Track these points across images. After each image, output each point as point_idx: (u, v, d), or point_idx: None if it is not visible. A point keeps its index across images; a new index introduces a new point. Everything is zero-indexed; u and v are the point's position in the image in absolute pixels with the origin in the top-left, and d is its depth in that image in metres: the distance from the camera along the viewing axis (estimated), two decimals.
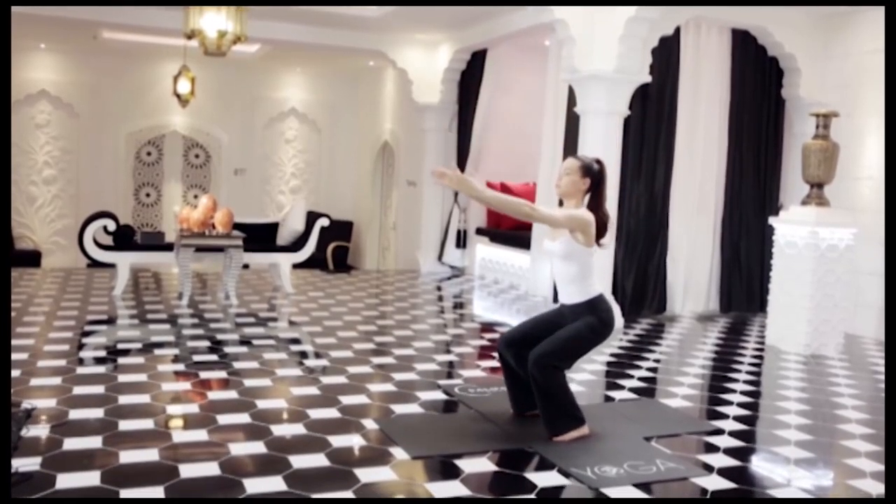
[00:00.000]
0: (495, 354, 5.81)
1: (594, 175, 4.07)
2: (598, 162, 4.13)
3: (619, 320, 7.16)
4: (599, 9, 6.87)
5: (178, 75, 10.70)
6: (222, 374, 4.95)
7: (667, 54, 7.51)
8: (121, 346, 5.68)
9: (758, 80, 8.09)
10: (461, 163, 10.21)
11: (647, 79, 7.12)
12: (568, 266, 4.04)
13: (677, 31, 7.49)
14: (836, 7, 7.55)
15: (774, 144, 8.28)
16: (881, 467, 3.82)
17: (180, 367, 5.13)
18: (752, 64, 8.05)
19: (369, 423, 4.09)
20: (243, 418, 4.08)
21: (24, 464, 3.28)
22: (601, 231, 4.06)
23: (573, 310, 4.08)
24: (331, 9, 8.81)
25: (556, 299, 4.33)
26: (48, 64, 12.27)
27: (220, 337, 6.02)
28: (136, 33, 10.47)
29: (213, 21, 7.27)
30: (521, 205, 3.89)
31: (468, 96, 10.13)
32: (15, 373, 4.67)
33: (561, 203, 4.22)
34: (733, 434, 4.23)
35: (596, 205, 4.08)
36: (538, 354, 3.93)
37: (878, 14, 7.24)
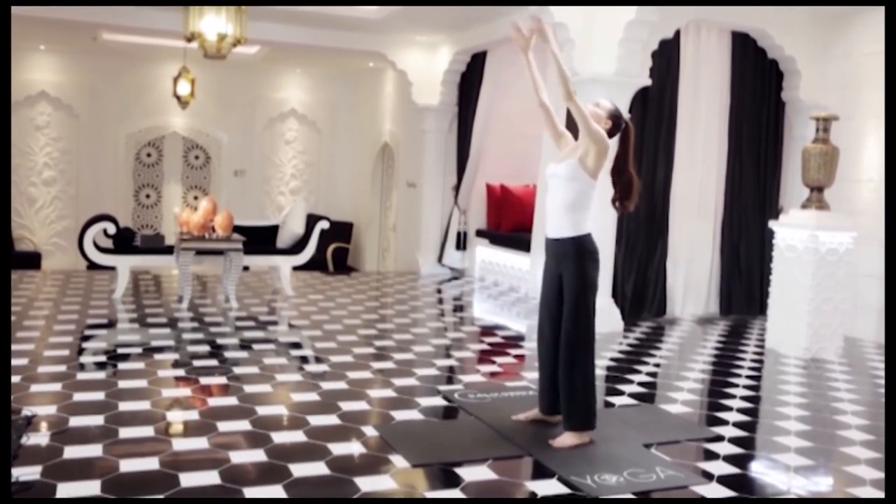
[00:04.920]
0: (496, 359, 5.85)
1: (618, 123, 4.02)
2: (628, 122, 4.07)
3: (618, 324, 7.16)
4: (599, 11, 6.87)
5: (178, 76, 10.70)
6: (222, 380, 4.95)
7: (667, 57, 7.51)
8: (121, 350, 5.67)
9: (758, 82, 8.09)
10: (461, 164, 10.21)
11: (647, 82, 7.11)
12: (567, 189, 3.94)
13: (677, 34, 7.49)
14: (835, 8, 7.55)
15: (774, 147, 8.27)
16: (881, 475, 3.82)
17: (180, 372, 5.13)
18: (752, 66, 8.05)
19: (369, 430, 4.09)
20: (243, 425, 4.08)
21: (24, 473, 3.28)
22: (627, 192, 4.03)
23: (560, 249, 3.99)
24: (330, 10, 8.81)
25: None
26: (48, 65, 12.26)
27: (220, 341, 6.02)
28: (135, 35, 10.48)
29: (212, 24, 7.28)
30: (568, 83, 3.85)
31: (468, 98, 10.12)
32: (15, 378, 4.67)
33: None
34: (733, 441, 4.23)
35: (622, 164, 4.03)
36: (565, 341, 3.95)
37: (877, 15, 7.24)
